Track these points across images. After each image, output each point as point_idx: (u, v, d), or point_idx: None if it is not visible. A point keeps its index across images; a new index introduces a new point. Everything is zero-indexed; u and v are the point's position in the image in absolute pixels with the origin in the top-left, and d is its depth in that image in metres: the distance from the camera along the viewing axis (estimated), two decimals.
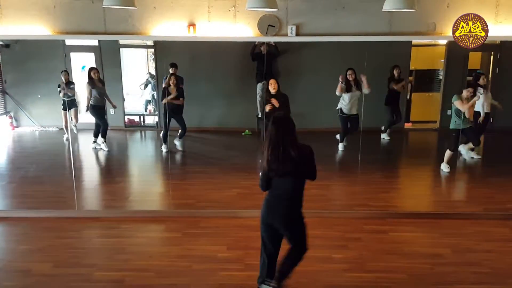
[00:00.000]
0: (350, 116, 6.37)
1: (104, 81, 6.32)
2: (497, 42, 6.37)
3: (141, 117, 7.31)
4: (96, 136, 6.62)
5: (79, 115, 6.64)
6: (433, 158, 7.33)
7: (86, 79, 6.26)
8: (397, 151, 7.21)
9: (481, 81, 6.19)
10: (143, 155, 7.39)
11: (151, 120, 7.33)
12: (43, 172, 6.47)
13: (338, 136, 6.65)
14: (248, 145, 7.13)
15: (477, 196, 5.92)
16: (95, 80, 6.24)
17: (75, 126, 6.69)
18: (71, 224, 4.96)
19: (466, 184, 6.15)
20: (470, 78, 6.77)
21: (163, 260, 4.19)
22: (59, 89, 6.26)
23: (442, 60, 6.70)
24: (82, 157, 6.87)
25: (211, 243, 4.49)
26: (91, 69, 6.22)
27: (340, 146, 6.65)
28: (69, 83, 6.35)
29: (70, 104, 6.50)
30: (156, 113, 7.10)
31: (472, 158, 6.36)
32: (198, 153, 6.96)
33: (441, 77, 6.81)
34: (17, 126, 6.86)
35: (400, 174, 6.59)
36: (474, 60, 6.78)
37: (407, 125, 7.00)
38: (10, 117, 6.80)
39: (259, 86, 6.70)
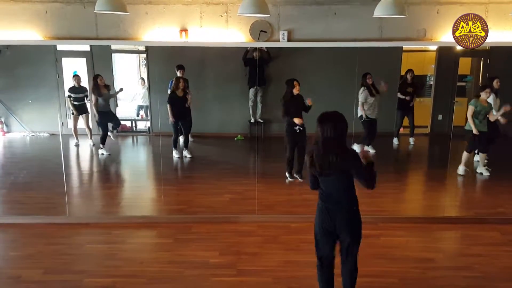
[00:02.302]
0: (371, 120, 6.43)
1: (109, 85, 6.35)
2: (487, 47, 6.43)
3: (133, 122, 7.29)
4: (103, 143, 6.61)
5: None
6: (424, 162, 7.38)
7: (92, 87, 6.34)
8: (388, 156, 7.24)
9: (495, 84, 6.23)
10: (135, 161, 7.36)
11: (143, 125, 7.32)
12: (34, 178, 6.42)
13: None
14: (240, 150, 7.14)
15: (467, 201, 5.97)
16: (101, 87, 6.26)
17: (91, 139, 6.72)
18: (61, 230, 4.92)
19: (456, 188, 6.18)
20: (460, 84, 6.84)
21: (155, 266, 4.17)
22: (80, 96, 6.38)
23: (433, 66, 6.76)
24: (73, 163, 6.83)
25: (203, 249, 4.48)
26: (96, 76, 6.27)
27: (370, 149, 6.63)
28: (81, 88, 6.35)
29: (81, 109, 6.48)
30: (148, 118, 7.08)
31: (481, 173, 6.33)
32: (190, 158, 6.94)
33: (431, 82, 6.86)
34: (7, 132, 6.82)
35: (391, 178, 6.61)
36: (464, 66, 6.84)
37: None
38: (1, 122, 6.75)
39: (251, 91, 6.73)
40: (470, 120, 6.01)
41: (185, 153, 6.79)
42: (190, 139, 6.94)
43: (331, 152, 2.98)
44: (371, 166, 3.04)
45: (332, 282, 3.39)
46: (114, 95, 6.61)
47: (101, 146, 6.62)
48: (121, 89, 6.61)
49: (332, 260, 3.34)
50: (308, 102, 5.77)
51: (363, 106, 6.32)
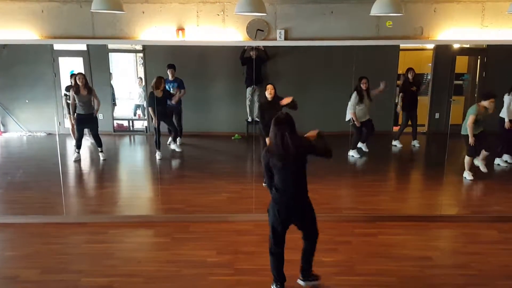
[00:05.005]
0: (363, 121, 6.40)
1: (91, 88, 6.19)
2: (484, 46, 6.44)
3: (130, 122, 7.27)
4: (77, 147, 6.44)
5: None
6: (421, 161, 7.38)
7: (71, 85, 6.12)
8: (386, 155, 7.25)
9: None
10: (132, 160, 7.34)
11: (140, 124, 7.30)
12: (31, 178, 6.40)
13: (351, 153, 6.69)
14: (237, 149, 7.13)
15: (465, 199, 5.98)
16: (80, 87, 6.06)
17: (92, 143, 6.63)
18: (58, 229, 4.91)
19: (454, 187, 6.19)
20: (457, 82, 6.85)
21: (152, 265, 4.17)
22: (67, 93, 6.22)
23: (430, 64, 6.76)
24: (70, 162, 6.81)
25: (200, 248, 4.48)
26: (75, 75, 6.07)
27: (354, 153, 6.63)
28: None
29: None
30: (145, 118, 7.06)
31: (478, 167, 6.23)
32: (188, 157, 6.93)
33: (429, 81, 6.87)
34: (4, 132, 6.79)
35: (389, 177, 6.62)
36: (461, 64, 6.85)
37: (396, 129, 7.04)
38: None
39: (249, 90, 6.71)
40: (470, 131, 5.87)
41: (174, 146, 6.70)
42: (178, 141, 6.89)
43: (289, 145, 3.31)
44: (323, 139, 3.51)
45: (283, 264, 3.69)
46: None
47: (76, 150, 6.45)
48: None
49: (283, 244, 3.64)
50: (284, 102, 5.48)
51: (354, 112, 6.27)
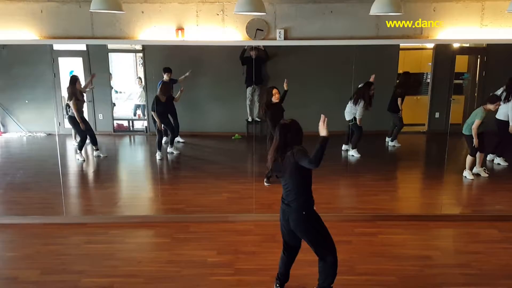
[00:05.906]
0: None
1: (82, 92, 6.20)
2: (484, 45, 6.44)
3: (130, 122, 7.26)
4: (80, 149, 6.47)
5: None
6: (421, 160, 7.38)
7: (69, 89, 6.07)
8: (385, 154, 7.25)
9: None
10: (132, 160, 7.34)
11: (140, 125, 7.29)
12: (31, 178, 6.40)
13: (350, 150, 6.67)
14: (238, 149, 7.13)
15: (465, 198, 5.97)
16: (77, 92, 6.06)
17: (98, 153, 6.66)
18: (58, 230, 4.91)
19: (454, 186, 6.19)
20: (457, 81, 6.85)
21: (153, 265, 4.17)
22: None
23: (430, 64, 6.76)
24: (70, 163, 6.81)
25: (201, 248, 4.48)
26: (75, 79, 6.06)
27: (354, 152, 6.64)
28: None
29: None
30: (145, 118, 7.06)
31: (478, 175, 6.23)
32: (188, 157, 6.93)
33: (428, 80, 6.86)
34: (4, 132, 6.79)
35: (389, 176, 6.62)
36: (461, 63, 6.85)
37: None
38: None
39: (249, 90, 6.71)
40: (475, 134, 5.88)
41: (171, 149, 6.72)
42: (181, 140, 6.90)
43: (278, 153, 3.30)
44: (324, 141, 3.08)
45: (289, 265, 3.66)
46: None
47: (78, 151, 6.49)
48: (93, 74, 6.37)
49: (294, 248, 3.59)
50: (285, 85, 5.80)
51: (360, 118, 6.27)
